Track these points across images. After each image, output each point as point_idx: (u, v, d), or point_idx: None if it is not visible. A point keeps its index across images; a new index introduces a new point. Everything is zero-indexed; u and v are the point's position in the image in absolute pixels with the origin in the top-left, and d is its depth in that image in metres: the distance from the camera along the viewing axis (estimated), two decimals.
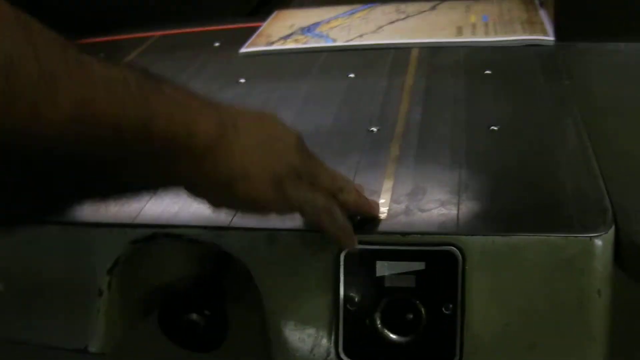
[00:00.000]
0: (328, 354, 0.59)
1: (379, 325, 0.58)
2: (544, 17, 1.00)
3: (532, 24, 0.98)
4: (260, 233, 0.61)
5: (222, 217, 0.63)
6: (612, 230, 0.55)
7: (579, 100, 0.77)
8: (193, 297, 0.67)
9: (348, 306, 0.58)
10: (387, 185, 0.65)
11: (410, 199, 0.62)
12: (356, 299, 0.58)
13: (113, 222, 0.66)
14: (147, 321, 0.69)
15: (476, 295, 0.56)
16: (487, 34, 0.97)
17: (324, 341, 0.59)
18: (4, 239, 0.67)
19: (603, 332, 0.55)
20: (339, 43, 1.03)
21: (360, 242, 0.58)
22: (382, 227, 0.59)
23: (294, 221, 0.60)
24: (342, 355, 0.58)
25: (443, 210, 0.60)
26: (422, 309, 0.57)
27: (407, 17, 1.09)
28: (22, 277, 0.67)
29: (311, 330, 0.59)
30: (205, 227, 0.63)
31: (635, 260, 0.55)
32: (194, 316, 0.66)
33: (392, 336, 0.58)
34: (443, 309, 0.56)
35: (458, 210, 0.59)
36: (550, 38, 0.93)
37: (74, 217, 0.68)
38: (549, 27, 0.96)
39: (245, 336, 0.67)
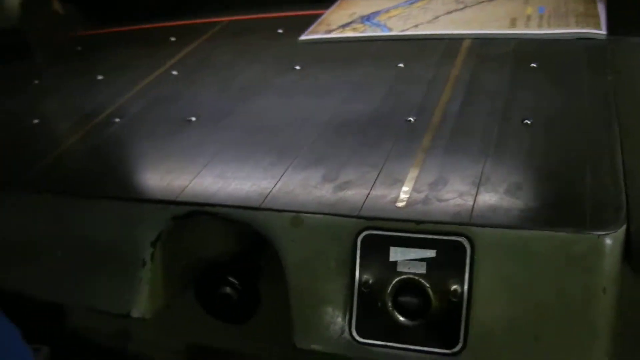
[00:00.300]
0: (342, 332, 0.62)
1: (390, 308, 0.60)
2: (601, 10, 0.98)
3: (587, 17, 0.96)
4: (287, 214, 0.65)
5: (255, 197, 0.67)
6: (622, 229, 0.56)
7: (621, 95, 0.76)
8: (228, 271, 0.72)
9: (362, 288, 0.61)
10: (413, 174, 0.67)
11: (431, 189, 0.64)
12: (370, 282, 0.61)
13: (157, 198, 0.71)
14: (186, 291, 0.74)
15: (483, 286, 0.58)
16: (540, 26, 0.96)
17: (339, 319, 0.62)
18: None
19: (607, 329, 0.56)
20: (393, 33, 1.04)
21: (377, 228, 0.61)
22: (398, 215, 0.61)
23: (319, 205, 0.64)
24: (355, 334, 0.61)
25: (459, 201, 0.61)
26: (431, 295, 0.59)
27: (465, 7, 1.09)
28: (75, 245, 0.73)
29: (328, 309, 0.63)
30: (237, 207, 0.67)
31: None
32: (228, 289, 0.71)
33: (401, 319, 0.60)
34: (450, 296, 0.58)
35: (474, 202, 0.61)
36: (602, 32, 0.91)
37: (122, 193, 0.74)
38: (603, 20, 0.94)
39: (275, 312, 0.71)
